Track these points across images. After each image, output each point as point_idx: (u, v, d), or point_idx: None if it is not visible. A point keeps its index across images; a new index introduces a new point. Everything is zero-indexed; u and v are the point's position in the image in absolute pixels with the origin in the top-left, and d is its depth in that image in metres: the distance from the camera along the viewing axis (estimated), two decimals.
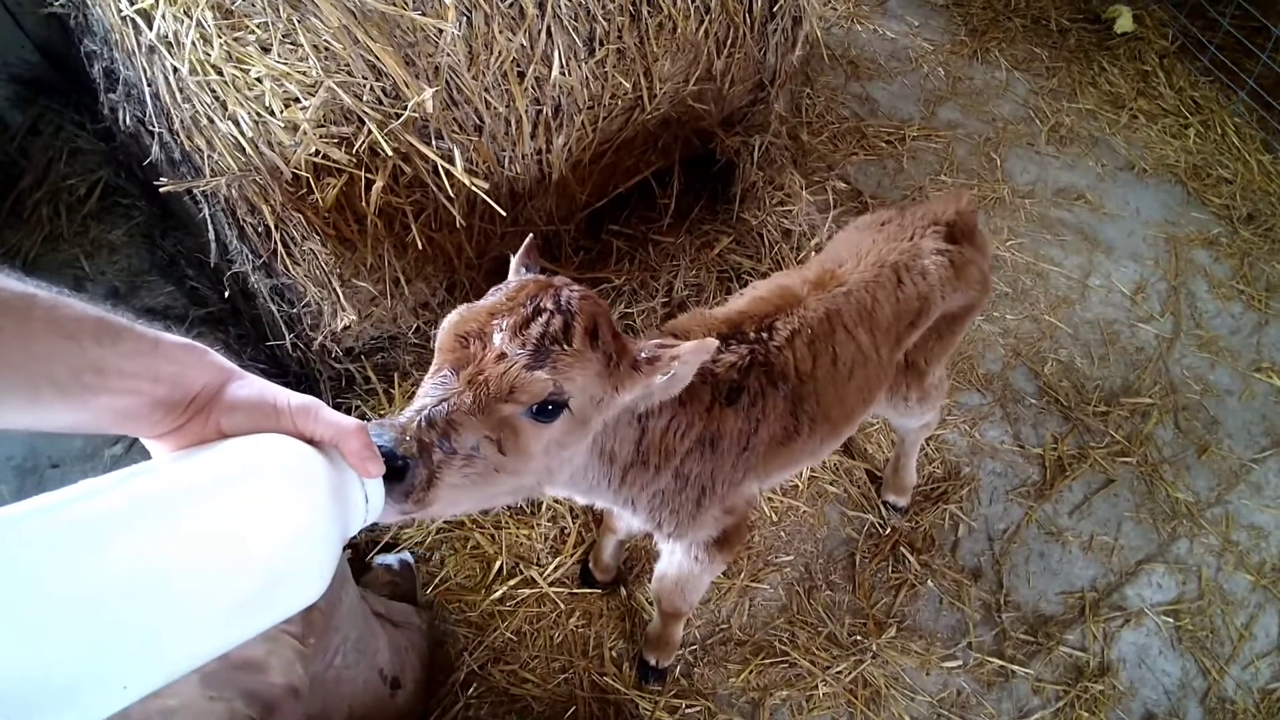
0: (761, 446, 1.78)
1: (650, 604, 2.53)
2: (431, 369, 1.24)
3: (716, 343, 1.41)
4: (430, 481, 1.11)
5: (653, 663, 2.45)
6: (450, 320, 1.28)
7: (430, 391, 1.18)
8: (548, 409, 1.24)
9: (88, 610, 0.63)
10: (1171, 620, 2.80)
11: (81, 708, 0.62)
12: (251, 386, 0.87)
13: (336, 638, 1.80)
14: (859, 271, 1.92)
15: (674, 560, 2.05)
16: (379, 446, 1.00)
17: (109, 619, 0.64)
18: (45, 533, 0.64)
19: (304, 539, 0.81)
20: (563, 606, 2.57)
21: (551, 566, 2.62)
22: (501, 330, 1.24)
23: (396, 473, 1.05)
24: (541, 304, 1.28)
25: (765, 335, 1.75)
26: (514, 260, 1.47)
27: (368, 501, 0.92)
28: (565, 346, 1.25)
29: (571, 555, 2.65)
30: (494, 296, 1.32)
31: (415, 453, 1.09)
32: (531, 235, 1.52)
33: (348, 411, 2.72)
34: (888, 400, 2.27)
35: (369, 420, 1.06)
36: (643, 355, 1.39)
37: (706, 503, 1.78)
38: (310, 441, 0.87)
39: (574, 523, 2.69)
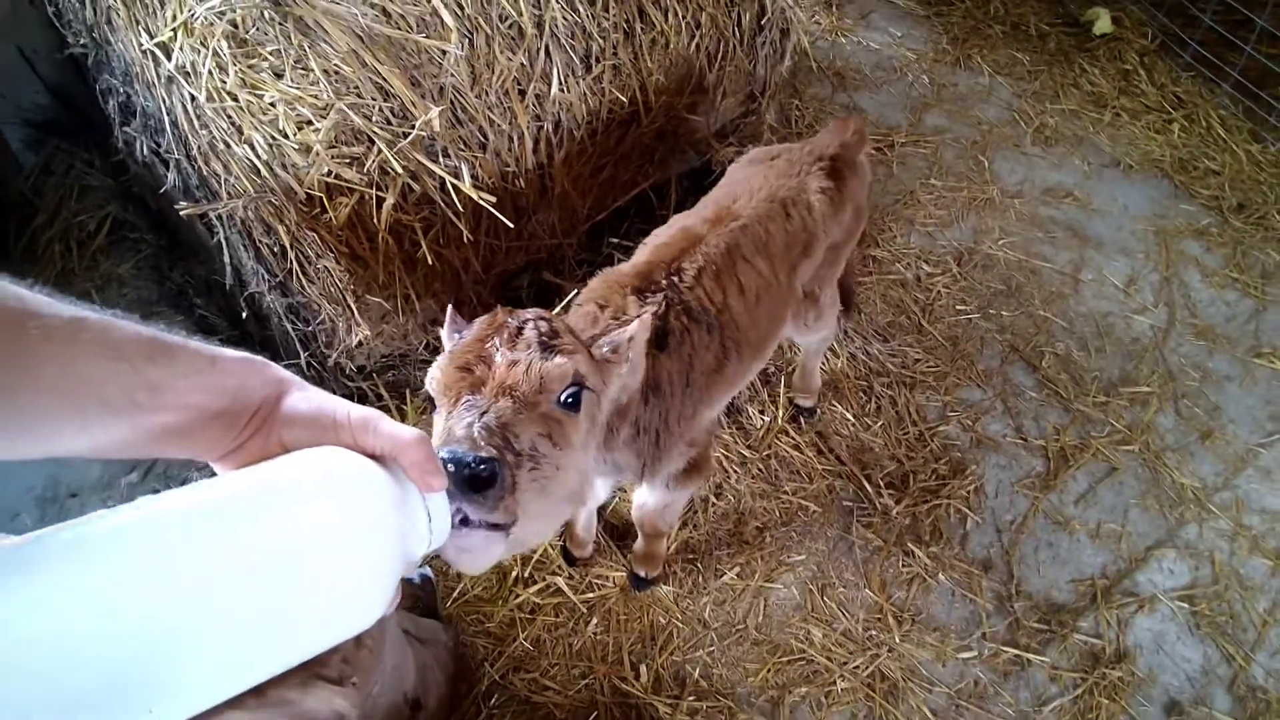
0: (700, 379, 1.90)
1: (647, 578, 2.64)
2: (446, 406, 1.21)
3: (648, 316, 1.53)
4: (514, 484, 1.05)
5: (642, 574, 2.60)
6: (440, 364, 1.29)
7: (464, 414, 1.14)
8: (569, 400, 1.29)
9: (136, 621, 0.61)
10: (1187, 605, 2.81)
11: None
12: (311, 399, 0.83)
13: (380, 670, 1.82)
14: (752, 206, 2.07)
15: (652, 494, 2.19)
16: (454, 457, 0.97)
17: (157, 630, 0.62)
18: (104, 546, 0.62)
19: (362, 559, 0.76)
20: (584, 610, 2.59)
21: (565, 574, 2.65)
22: (499, 347, 1.29)
23: (484, 480, 0.97)
24: (522, 318, 1.36)
25: (676, 279, 1.87)
26: (444, 331, 1.48)
27: (431, 521, 0.84)
28: (560, 339, 1.34)
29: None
30: (470, 333, 1.35)
31: (494, 455, 1.03)
32: (450, 306, 1.52)
33: None
34: (793, 324, 2.42)
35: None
36: (605, 349, 1.47)
37: (668, 442, 1.88)
38: (372, 456, 0.82)
39: None
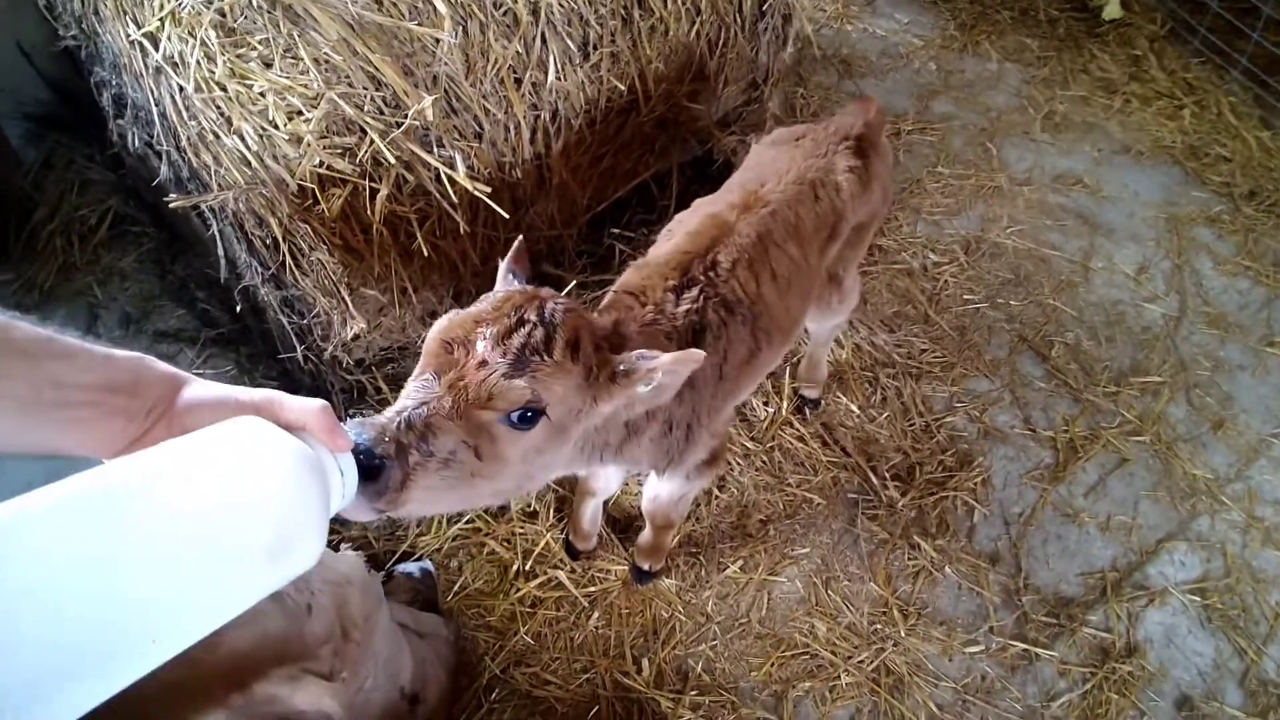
0: (733, 371, 1.89)
1: (651, 571, 2.62)
2: (415, 371, 1.27)
3: (702, 354, 1.45)
4: (405, 482, 1.12)
5: (645, 567, 2.59)
6: (438, 326, 1.32)
7: (412, 394, 1.21)
8: (526, 416, 1.27)
9: (88, 578, 0.65)
10: (1198, 599, 2.76)
11: (76, 688, 0.63)
12: (209, 387, 0.90)
13: (370, 663, 1.81)
14: (780, 190, 2.04)
15: (669, 485, 2.15)
16: (357, 443, 1.04)
17: (112, 584, 0.66)
18: (56, 504, 0.67)
19: (295, 499, 0.83)
20: (585, 604, 2.57)
21: (567, 568, 2.63)
22: (485, 339, 1.27)
23: (372, 472, 1.06)
24: (525, 315, 1.32)
25: (712, 273, 1.84)
26: (502, 265, 1.51)
27: (343, 475, 0.95)
28: (545, 357, 1.29)
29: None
30: (482, 304, 1.36)
31: (392, 454, 1.10)
32: (521, 238, 1.56)
33: None
34: (816, 306, 2.39)
35: (356, 417, 1.09)
36: (621, 368, 1.43)
37: (695, 435, 1.88)
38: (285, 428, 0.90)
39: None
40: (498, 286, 1.49)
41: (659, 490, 2.21)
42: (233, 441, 0.84)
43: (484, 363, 1.24)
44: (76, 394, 0.79)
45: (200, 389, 0.89)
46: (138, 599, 0.67)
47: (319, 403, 0.91)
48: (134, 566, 0.68)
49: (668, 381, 1.46)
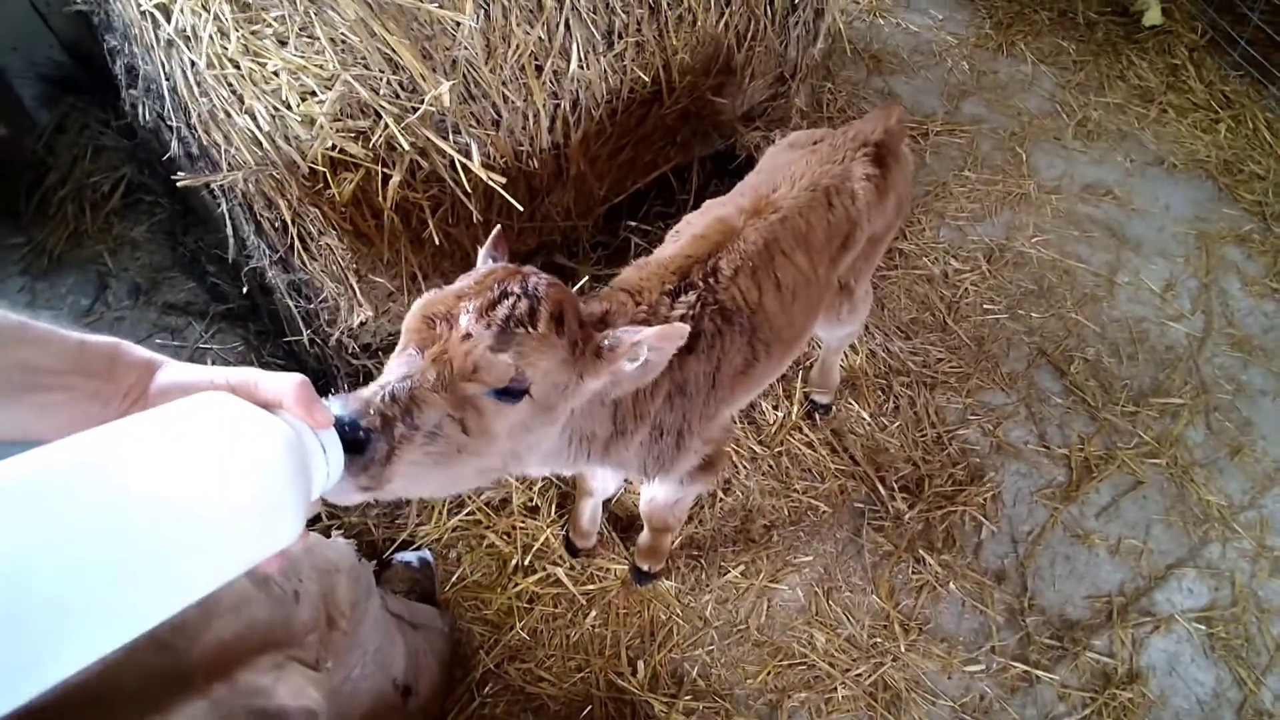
0: (727, 380, 1.85)
1: (650, 572, 2.60)
2: (398, 348, 1.25)
3: (687, 329, 1.42)
4: (390, 457, 1.10)
5: (645, 568, 2.57)
6: (419, 303, 1.30)
7: (395, 369, 1.19)
8: (511, 391, 1.25)
9: (48, 549, 0.62)
10: (1204, 627, 2.72)
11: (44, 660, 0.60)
12: (185, 370, 0.88)
13: (357, 652, 1.79)
14: (792, 196, 1.97)
15: (663, 489, 2.13)
16: (341, 418, 1.02)
17: (71, 556, 0.63)
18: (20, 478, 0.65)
19: (264, 475, 0.80)
20: (583, 602, 2.55)
21: (566, 565, 2.60)
22: (468, 312, 1.25)
23: (357, 445, 1.04)
24: (508, 288, 1.30)
25: (712, 280, 1.79)
26: (481, 250, 1.50)
27: (326, 452, 0.91)
28: (530, 330, 1.27)
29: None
30: (464, 281, 1.34)
31: (378, 426, 1.08)
32: (499, 226, 1.54)
33: None
34: (825, 317, 2.34)
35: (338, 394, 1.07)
36: (606, 343, 1.40)
37: (686, 443, 1.85)
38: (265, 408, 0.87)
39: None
40: (477, 266, 1.46)
41: (655, 493, 2.20)
42: (192, 416, 0.80)
43: (468, 335, 1.22)
44: (48, 378, 0.78)
45: (176, 371, 0.88)
46: (80, 582, 0.63)
47: (296, 377, 0.88)
48: (71, 551, 0.64)
49: (654, 359, 1.44)
